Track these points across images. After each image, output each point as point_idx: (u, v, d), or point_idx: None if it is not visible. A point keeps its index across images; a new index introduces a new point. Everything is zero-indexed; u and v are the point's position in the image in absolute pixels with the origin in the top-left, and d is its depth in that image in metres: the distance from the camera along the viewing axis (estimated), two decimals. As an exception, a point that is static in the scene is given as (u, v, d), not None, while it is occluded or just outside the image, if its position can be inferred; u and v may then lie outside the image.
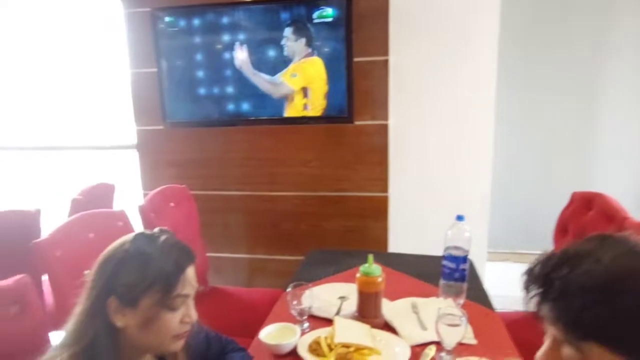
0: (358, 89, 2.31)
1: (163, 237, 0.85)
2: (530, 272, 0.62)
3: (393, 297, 1.44)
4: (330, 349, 1.15)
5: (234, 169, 2.56)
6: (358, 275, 1.31)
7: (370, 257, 1.31)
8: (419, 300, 1.44)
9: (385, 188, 2.42)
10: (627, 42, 2.94)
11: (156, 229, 0.88)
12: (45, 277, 1.44)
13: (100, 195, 2.38)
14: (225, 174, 2.58)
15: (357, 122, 2.36)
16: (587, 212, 1.74)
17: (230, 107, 2.45)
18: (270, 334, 1.24)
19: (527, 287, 0.62)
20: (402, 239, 2.45)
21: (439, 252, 1.51)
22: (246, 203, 2.59)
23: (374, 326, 1.27)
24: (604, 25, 2.97)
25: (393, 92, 2.32)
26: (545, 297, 0.59)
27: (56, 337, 0.91)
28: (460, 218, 1.43)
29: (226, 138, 2.52)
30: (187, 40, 2.41)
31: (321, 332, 1.24)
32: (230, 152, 2.54)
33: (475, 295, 1.49)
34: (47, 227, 1.46)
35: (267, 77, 2.36)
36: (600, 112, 3.10)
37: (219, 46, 2.38)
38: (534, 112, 3.17)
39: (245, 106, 2.43)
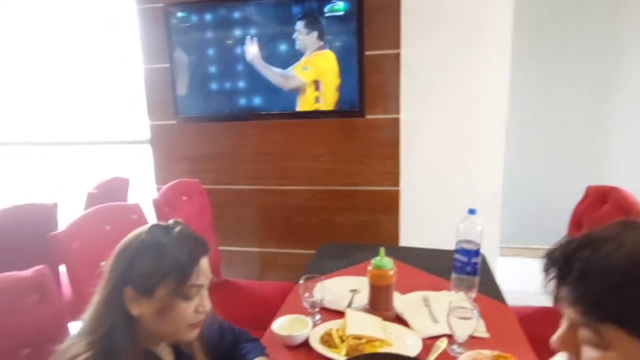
0: (369, 82, 2.31)
1: (178, 229, 0.86)
2: (550, 255, 0.61)
3: (404, 291, 1.45)
4: (342, 341, 1.16)
5: (245, 164, 2.58)
6: (370, 268, 1.32)
7: (382, 250, 1.31)
8: (431, 294, 1.44)
9: (396, 182, 2.41)
10: (642, 37, 2.89)
11: (171, 221, 0.89)
12: (63, 269, 1.47)
13: (115, 189, 2.42)
14: (237, 168, 2.59)
15: (368, 116, 2.36)
16: (602, 206, 1.71)
17: (242, 101, 2.46)
18: (283, 325, 1.25)
19: (546, 270, 0.61)
20: (413, 233, 2.44)
21: (450, 246, 1.51)
22: (257, 197, 2.60)
23: (385, 319, 1.27)
24: (618, 21, 2.92)
25: (405, 86, 2.31)
26: (565, 278, 0.58)
27: (74, 327, 0.94)
28: (472, 212, 1.42)
29: (238, 132, 2.54)
30: (199, 36, 2.42)
31: (333, 324, 1.24)
32: (241, 146, 2.56)
33: (488, 289, 1.48)
34: (64, 220, 1.49)
35: (278, 70, 2.37)
36: (613, 107, 3.05)
37: (231, 41, 2.39)
38: (547, 107, 3.13)
39: (257, 101, 2.44)
